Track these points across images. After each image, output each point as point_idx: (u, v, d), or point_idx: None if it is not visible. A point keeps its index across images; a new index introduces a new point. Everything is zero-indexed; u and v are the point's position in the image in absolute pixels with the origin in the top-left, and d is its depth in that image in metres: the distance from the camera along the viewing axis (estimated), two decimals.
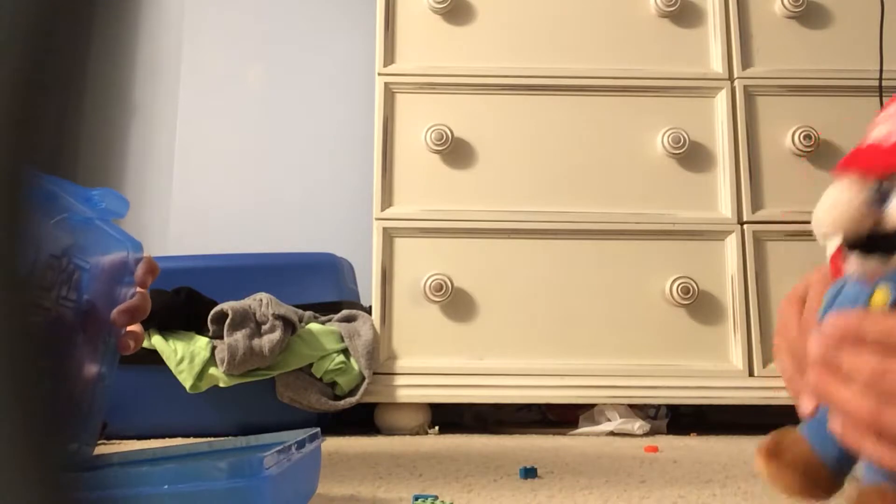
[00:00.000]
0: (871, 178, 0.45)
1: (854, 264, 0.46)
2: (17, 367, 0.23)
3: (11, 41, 0.23)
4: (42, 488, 0.23)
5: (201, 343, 1.30)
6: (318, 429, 0.62)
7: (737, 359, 1.39)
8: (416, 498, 0.67)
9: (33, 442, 0.23)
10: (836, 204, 0.45)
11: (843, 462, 0.44)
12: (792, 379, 0.48)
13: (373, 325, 1.39)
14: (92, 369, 0.62)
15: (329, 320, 1.41)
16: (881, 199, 0.45)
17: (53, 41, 0.24)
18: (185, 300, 1.34)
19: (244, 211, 1.98)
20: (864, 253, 0.45)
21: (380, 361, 1.39)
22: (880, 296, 0.43)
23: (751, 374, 1.39)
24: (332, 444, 1.16)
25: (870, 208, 0.45)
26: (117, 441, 1.25)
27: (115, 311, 0.63)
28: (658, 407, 1.42)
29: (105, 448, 1.13)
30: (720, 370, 1.39)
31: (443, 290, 1.39)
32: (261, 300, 1.34)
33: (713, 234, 1.44)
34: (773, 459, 0.45)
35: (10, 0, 0.23)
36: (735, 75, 1.48)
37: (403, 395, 1.37)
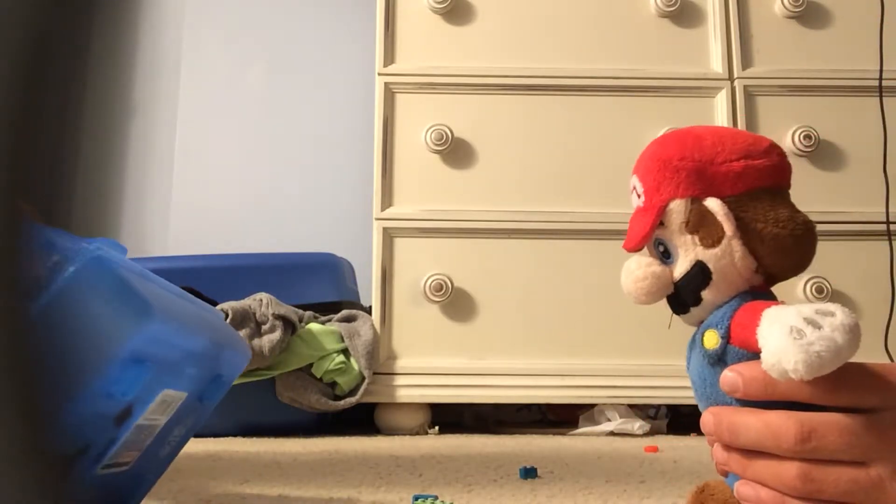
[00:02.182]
0: (636, 245, 0.49)
1: (684, 320, 0.50)
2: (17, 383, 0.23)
3: (10, 42, 0.24)
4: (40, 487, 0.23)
5: None
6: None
7: None
8: (417, 498, 0.67)
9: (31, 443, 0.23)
10: (636, 278, 0.48)
11: None
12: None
13: (373, 325, 1.39)
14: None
15: (329, 320, 1.41)
16: (665, 256, 0.49)
17: (52, 41, 0.24)
18: None
19: (244, 211, 1.98)
20: (675, 309, 0.49)
21: (380, 361, 1.39)
22: (710, 339, 0.47)
23: None
24: (332, 444, 1.16)
25: (664, 267, 0.48)
26: None
27: None
28: (658, 407, 1.42)
29: None
30: None
31: (443, 290, 1.39)
32: (261, 300, 1.34)
33: None
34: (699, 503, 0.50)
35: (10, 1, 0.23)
36: (735, 75, 1.48)
37: (403, 395, 1.37)
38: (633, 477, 0.83)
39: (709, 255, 0.46)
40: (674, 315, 0.50)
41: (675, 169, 0.47)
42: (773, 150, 0.49)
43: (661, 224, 0.48)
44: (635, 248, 0.49)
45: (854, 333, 0.41)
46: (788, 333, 0.40)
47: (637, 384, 1.36)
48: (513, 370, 1.39)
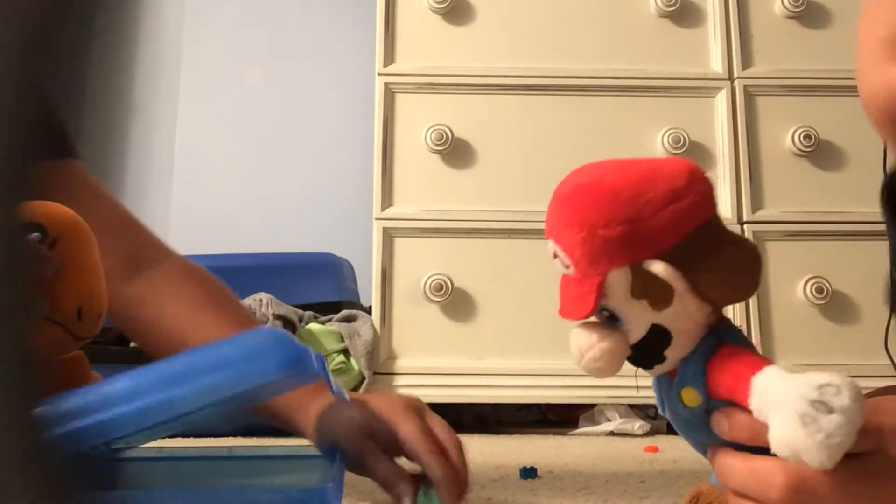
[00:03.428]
0: (583, 318, 0.45)
1: (651, 373, 0.47)
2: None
3: (10, 41, 0.24)
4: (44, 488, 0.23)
5: None
6: (340, 446, 0.63)
7: None
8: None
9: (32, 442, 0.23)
10: (591, 358, 0.45)
11: None
12: None
13: (373, 325, 1.39)
14: None
15: (329, 320, 1.40)
16: (613, 320, 0.45)
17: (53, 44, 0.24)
18: None
19: (244, 211, 1.98)
20: (642, 367, 0.46)
21: (380, 361, 1.39)
22: (689, 397, 0.45)
23: None
24: None
25: (616, 333, 0.44)
26: None
27: None
28: None
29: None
30: None
31: (443, 290, 1.39)
32: (261, 300, 1.34)
33: None
34: None
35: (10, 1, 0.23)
36: (735, 75, 1.48)
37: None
38: (633, 477, 0.83)
39: (663, 317, 0.43)
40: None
41: (604, 239, 0.43)
42: (693, 180, 0.45)
43: (604, 295, 0.44)
44: (578, 320, 0.45)
45: (861, 404, 0.39)
46: (800, 423, 0.38)
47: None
48: (513, 370, 1.39)
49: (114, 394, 0.47)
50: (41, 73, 0.24)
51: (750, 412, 0.41)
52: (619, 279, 0.43)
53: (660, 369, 0.46)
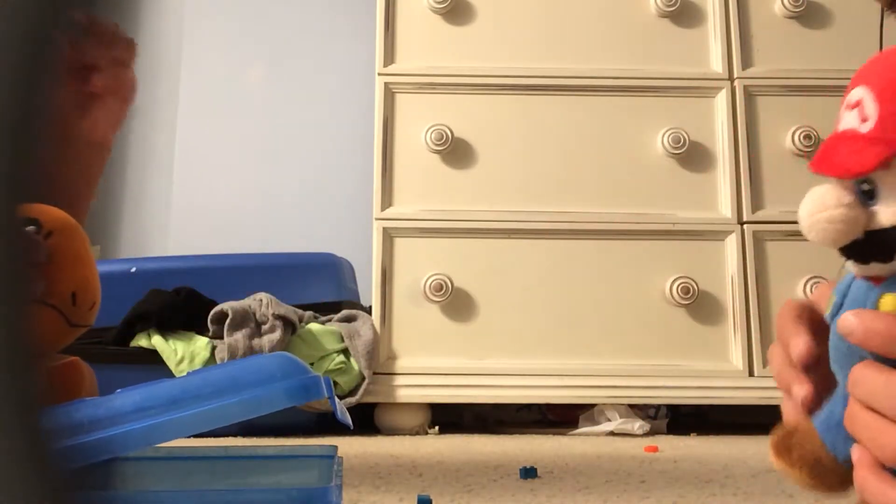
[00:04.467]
0: (851, 177, 0.41)
1: (855, 268, 0.43)
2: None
3: (10, 42, 0.24)
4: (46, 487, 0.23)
5: (201, 343, 1.30)
6: (336, 446, 0.63)
7: (737, 359, 1.39)
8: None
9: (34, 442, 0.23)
10: (830, 218, 0.41)
11: None
12: (781, 371, 0.47)
13: (373, 325, 1.39)
14: None
15: (329, 320, 1.41)
16: (866, 196, 0.41)
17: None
18: (185, 300, 1.34)
19: (244, 211, 1.98)
20: (861, 257, 0.42)
21: (380, 361, 1.39)
22: (889, 301, 0.41)
23: (751, 374, 1.39)
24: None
25: (860, 209, 0.41)
26: None
27: None
28: (658, 407, 1.42)
29: None
30: (720, 370, 1.39)
31: (443, 290, 1.39)
32: (261, 300, 1.34)
33: (713, 234, 1.44)
34: (785, 455, 0.45)
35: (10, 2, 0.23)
36: (735, 75, 1.48)
37: (403, 395, 1.37)
38: (633, 477, 0.83)
39: None
40: (851, 262, 0.43)
41: None
42: None
43: (886, 164, 0.40)
44: (843, 177, 0.41)
45: None
46: None
47: (637, 384, 1.36)
48: (513, 370, 1.39)
49: (123, 410, 0.48)
50: (41, 74, 0.24)
51: None
52: None
53: (875, 269, 0.42)
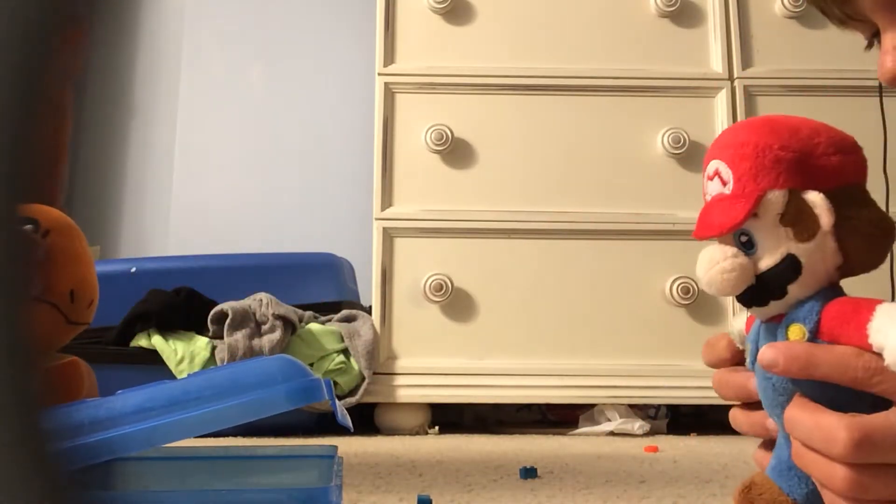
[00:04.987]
0: (727, 232, 0.46)
1: (758, 312, 0.48)
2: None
3: (9, 42, 0.24)
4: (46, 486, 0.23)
5: (201, 343, 1.30)
6: (336, 446, 0.64)
7: None
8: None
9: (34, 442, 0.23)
10: (723, 269, 0.46)
11: (813, 499, 0.46)
12: (749, 417, 0.51)
13: (373, 325, 1.39)
14: None
15: (329, 320, 1.41)
16: (746, 247, 0.46)
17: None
18: (184, 300, 1.34)
19: (244, 211, 1.98)
20: (758, 301, 0.46)
21: (380, 361, 1.39)
22: (796, 329, 0.45)
23: None
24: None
25: (745, 258, 0.46)
26: None
27: None
28: (658, 407, 1.42)
29: None
30: None
31: (443, 290, 1.39)
32: (261, 300, 1.34)
33: None
34: (747, 502, 0.48)
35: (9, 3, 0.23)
36: (735, 75, 1.48)
37: (403, 395, 1.37)
38: (633, 477, 0.83)
39: (801, 249, 0.45)
40: (746, 308, 0.48)
41: (776, 158, 0.45)
42: (857, 146, 0.49)
43: (754, 214, 0.46)
44: (719, 235, 0.47)
45: None
46: None
47: (637, 384, 1.36)
48: (513, 370, 1.39)
49: (124, 411, 0.48)
50: (42, 74, 0.24)
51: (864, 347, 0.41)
52: (775, 200, 0.45)
53: (773, 307, 0.46)
